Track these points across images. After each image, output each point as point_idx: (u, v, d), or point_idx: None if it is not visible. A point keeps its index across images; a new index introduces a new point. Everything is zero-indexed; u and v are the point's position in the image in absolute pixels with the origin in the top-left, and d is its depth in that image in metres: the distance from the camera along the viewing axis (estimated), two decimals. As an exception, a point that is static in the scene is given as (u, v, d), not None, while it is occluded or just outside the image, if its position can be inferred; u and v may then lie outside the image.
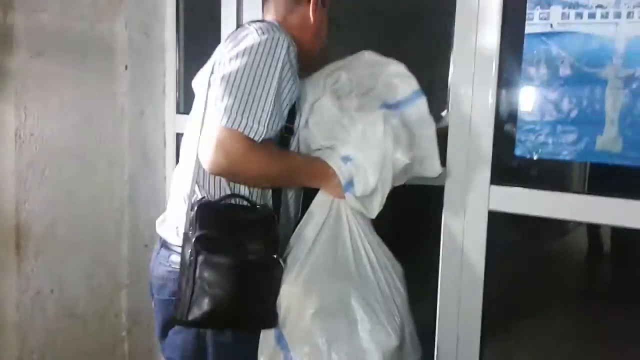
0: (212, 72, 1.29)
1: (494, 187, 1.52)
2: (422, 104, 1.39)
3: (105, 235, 2.17)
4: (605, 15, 1.35)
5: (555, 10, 1.41)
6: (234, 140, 1.16)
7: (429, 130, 1.40)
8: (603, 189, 1.39)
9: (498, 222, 1.54)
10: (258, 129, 1.18)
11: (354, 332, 1.24)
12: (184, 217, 1.29)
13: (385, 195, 1.31)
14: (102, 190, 2.15)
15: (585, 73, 1.39)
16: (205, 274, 1.18)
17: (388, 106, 1.38)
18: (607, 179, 1.44)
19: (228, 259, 1.20)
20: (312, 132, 1.35)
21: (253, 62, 1.20)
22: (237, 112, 1.17)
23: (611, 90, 1.35)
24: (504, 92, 1.51)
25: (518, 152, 1.49)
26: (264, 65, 1.21)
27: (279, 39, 1.23)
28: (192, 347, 1.31)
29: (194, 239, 1.20)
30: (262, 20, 1.36)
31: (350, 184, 1.30)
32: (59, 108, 1.99)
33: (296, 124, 1.34)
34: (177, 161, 2.32)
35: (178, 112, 2.33)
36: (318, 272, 1.26)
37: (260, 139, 1.19)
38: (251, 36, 1.24)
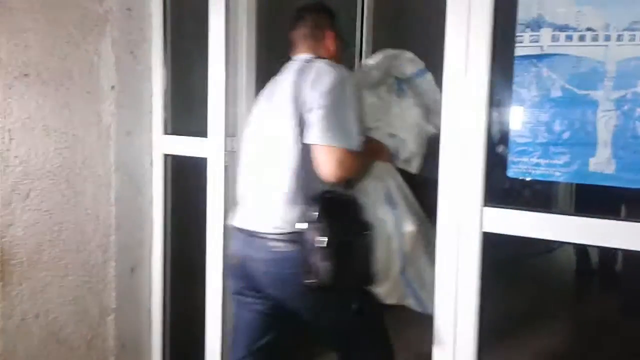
0: (294, 101, 1.64)
1: (487, 209, 1.52)
2: (429, 77, 1.87)
3: (91, 259, 2.13)
4: (595, 38, 1.35)
5: (546, 33, 1.41)
6: (346, 156, 1.60)
7: (437, 97, 1.78)
8: (595, 211, 1.39)
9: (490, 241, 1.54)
10: (358, 142, 1.64)
11: (429, 262, 1.75)
12: (277, 210, 1.66)
13: (422, 156, 1.86)
14: (87, 213, 2.11)
15: (576, 95, 1.39)
16: (331, 250, 1.55)
17: (402, 80, 1.90)
18: (601, 200, 1.44)
19: (343, 237, 1.58)
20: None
21: (342, 95, 1.63)
22: (343, 135, 1.61)
23: (603, 112, 1.35)
24: (495, 114, 1.50)
25: (511, 173, 1.49)
26: (349, 95, 1.65)
27: (345, 71, 1.68)
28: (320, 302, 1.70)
29: (325, 226, 1.57)
30: (318, 57, 1.76)
31: (397, 152, 1.84)
32: (43, 130, 1.96)
33: None
34: (165, 182, 2.32)
35: (165, 132, 2.30)
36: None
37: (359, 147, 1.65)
38: (328, 72, 1.65)
